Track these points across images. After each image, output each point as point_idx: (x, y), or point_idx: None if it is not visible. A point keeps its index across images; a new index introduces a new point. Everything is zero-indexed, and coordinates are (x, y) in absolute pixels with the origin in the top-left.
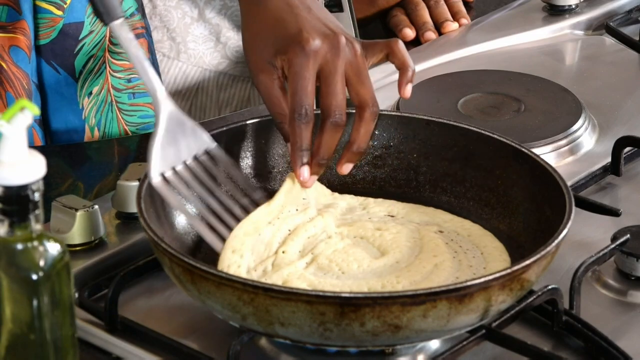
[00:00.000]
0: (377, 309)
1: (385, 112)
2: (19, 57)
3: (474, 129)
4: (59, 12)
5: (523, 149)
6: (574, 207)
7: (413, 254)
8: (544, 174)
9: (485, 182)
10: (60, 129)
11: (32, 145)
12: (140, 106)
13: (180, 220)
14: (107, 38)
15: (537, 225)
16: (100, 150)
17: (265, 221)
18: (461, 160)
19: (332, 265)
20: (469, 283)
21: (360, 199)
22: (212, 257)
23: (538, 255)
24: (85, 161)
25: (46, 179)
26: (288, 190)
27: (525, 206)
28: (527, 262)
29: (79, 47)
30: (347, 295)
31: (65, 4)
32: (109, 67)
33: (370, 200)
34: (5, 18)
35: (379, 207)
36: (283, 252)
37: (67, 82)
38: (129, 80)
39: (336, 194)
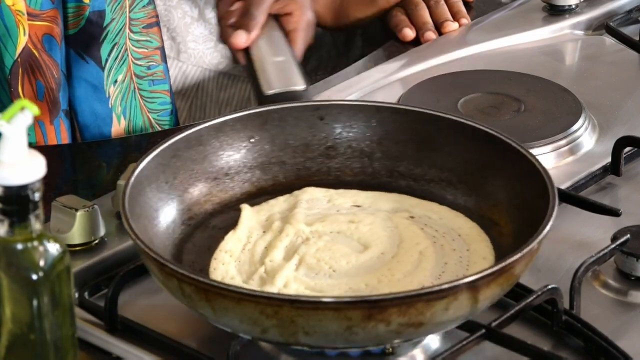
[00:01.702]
0: (403, 307)
1: (334, 102)
2: (52, 46)
3: (427, 111)
4: (87, 0)
5: (477, 126)
6: (544, 169)
7: (394, 243)
8: (504, 146)
9: (443, 162)
10: (89, 119)
11: (40, 144)
12: (159, 93)
13: (163, 221)
14: (127, 26)
15: (507, 200)
16: (101, 150)
17: (238, 249)
18: (415, 143)
19: (322, 264)
20: (489, 271)
21: (322, 190)
22: (199, 263)
23: (535, 244)
24: (85, 161)
25: (47, 178)
26: (248, 216)
27: (490, 182)
28: (538, 238)
29: (103, 35)
30: (374, 297)
31: None
32: (131, 54)
33: (332, 191)
34: (39, 6)
35: (343, 198)
36: (270, 261)
37: (95, 70)
38: (149, 68)
39: (296, 191)
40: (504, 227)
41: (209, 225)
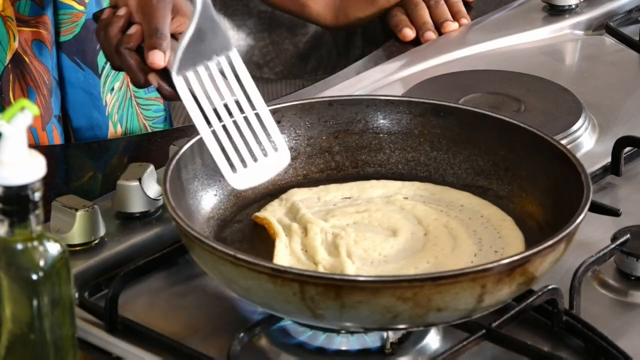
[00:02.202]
0: (525, 266)
1: (286, 104)
2: (42, 52)
3: (381, 97)
4: (81, 7)
5: (441, 103)
6: (530, 128)
7: (414, 223)
8: (474, 117)
9: (406, 143)
10: (84, 125)
11: (38, 144)
12: (153, 100)
13: (205, 205)
14: None
15: (491, 167)
16: (101, 150)
17: (286, 254)
18: (372, 130)
19: (370, 252)
20: (563, 233)
21: (307, 190)
22: (239, 245)
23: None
24: (85, 161)
25: (46, 178)
26: (277, 223)
27: (465, 153)
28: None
29: None
30: (505, 261)
31: None
32: None
33: (315, 189)
34: (28, 12)
35: (330, 193)
36: (323, 259)
37: (91, 78)
38: None
39: (283, 195)
40: (499, 191)
41: (227, 240)
